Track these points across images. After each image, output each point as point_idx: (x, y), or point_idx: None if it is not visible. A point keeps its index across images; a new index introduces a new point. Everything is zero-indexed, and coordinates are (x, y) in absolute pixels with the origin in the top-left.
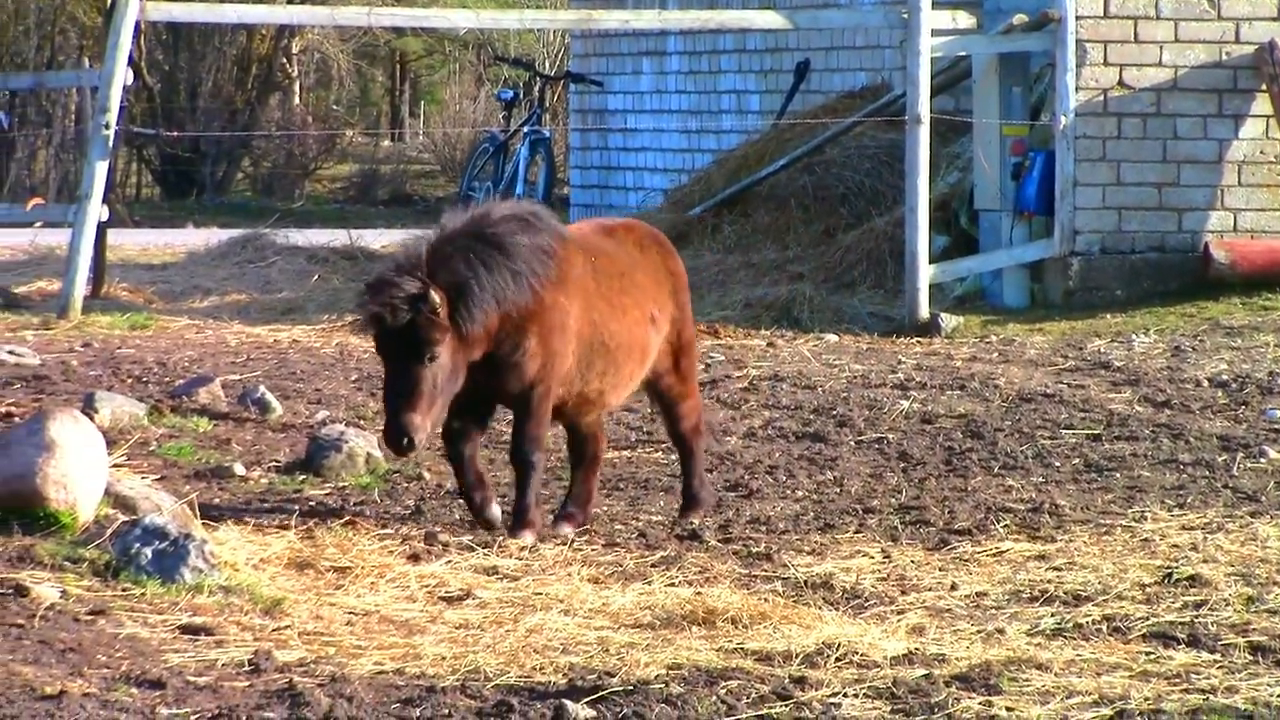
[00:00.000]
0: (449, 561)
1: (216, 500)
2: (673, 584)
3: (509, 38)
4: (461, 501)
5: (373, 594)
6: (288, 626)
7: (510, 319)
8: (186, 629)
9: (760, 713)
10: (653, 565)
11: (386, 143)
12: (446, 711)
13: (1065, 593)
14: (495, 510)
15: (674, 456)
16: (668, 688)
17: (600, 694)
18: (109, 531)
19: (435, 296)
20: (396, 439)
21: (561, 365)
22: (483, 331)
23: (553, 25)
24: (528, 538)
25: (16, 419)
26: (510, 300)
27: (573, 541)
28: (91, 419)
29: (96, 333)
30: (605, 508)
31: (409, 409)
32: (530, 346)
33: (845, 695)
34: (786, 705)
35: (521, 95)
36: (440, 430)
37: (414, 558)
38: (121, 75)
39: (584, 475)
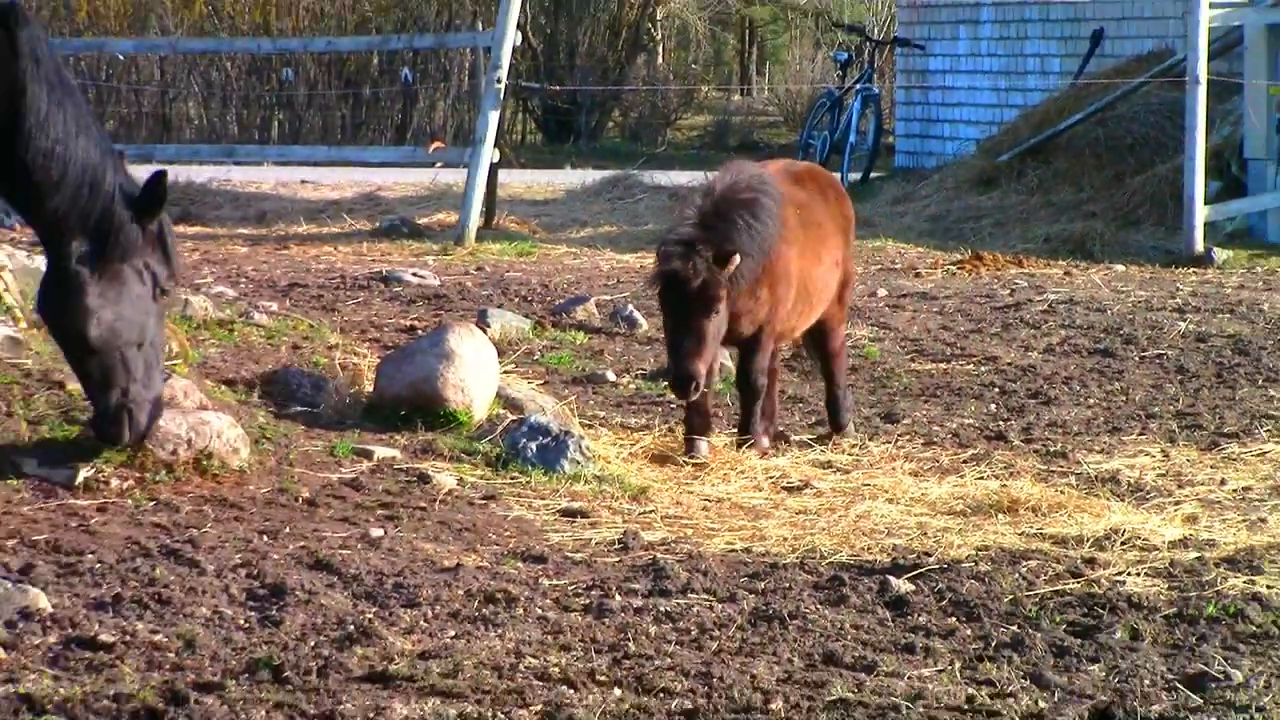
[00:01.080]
0: (791, 457)
1: (591, 402)
2: (981, 477)
3: (844, 6)
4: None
5: (725, 484)
6: (652, 511)
7: (756, 272)
8: (565, 512)
9: (1056, 589)
10: (964, 461)
11: (737, 97)
12: (787, 585)
13: None
14: (703, 446)
15: (984, 368)
16: (976, 566)
17: (919, 571)
18: (499, 428)
19: (733, 260)
20: (684, 386)
21: (784, 309)
22: (748, 288)
23: None
24: (754, 453)
25: (420, 331)
26: (761, 258)
27: (896, 440)
28: (484, 332)
29: (488, 259)
30: (923, 412)
31: (695, 358)
32: (764, 295)
33: (1129, 574)
34: (1078, 582)
35: (854, 57)
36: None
37: (762, 453)
38: (510, 37)
39: (770, 393)
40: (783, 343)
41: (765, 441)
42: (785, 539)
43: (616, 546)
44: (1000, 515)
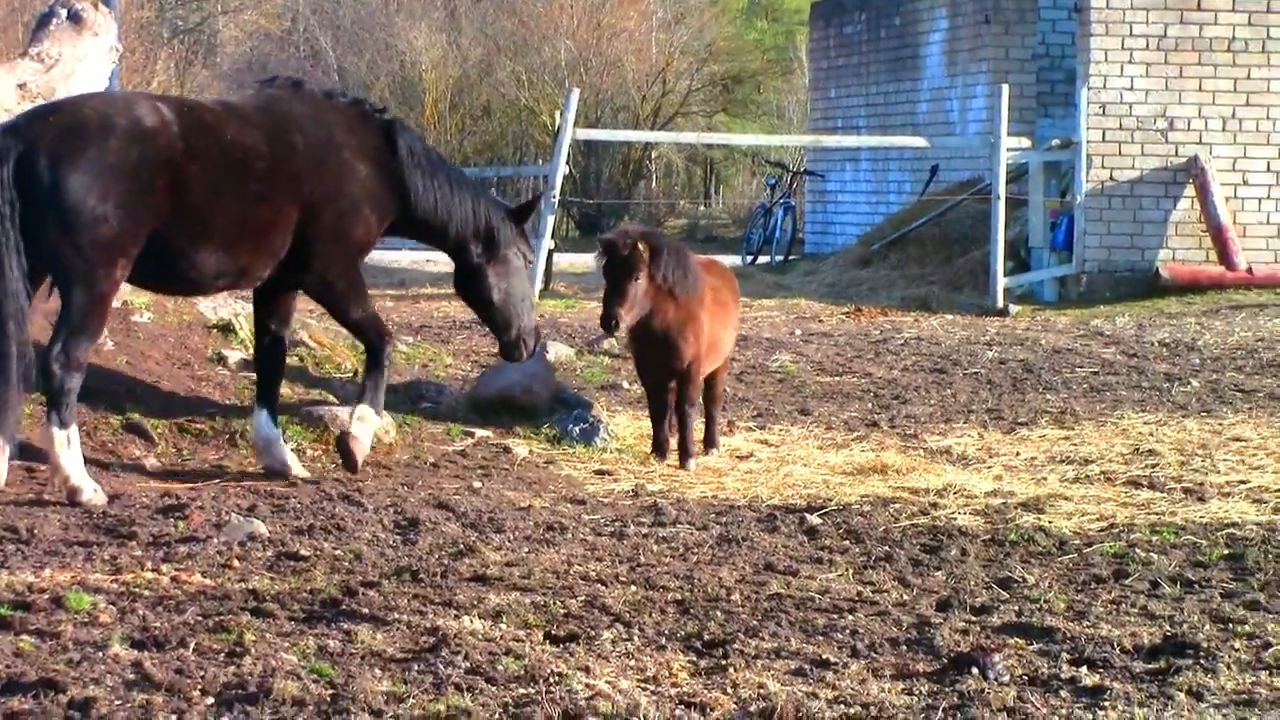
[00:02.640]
0: (741, 437)
1: (613, 401)
2: (863, 450)
3: (771, 150)
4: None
5: (701, 455)
6: (653, 471)
7: (681, 306)
8: (597, 472)
9: (913, 522)
10: (852, 440)
11: (702, 208)
12: (740, 519)
13: (1080, 458)
14: (665, 452)
15: (864, 380)
16: (861, 507)
17: (824, 510)
18: (555, 417)
19: (642, 246)
20: (607, 323)
21: (702, 354)
22: (663, 285)
23: (797, 143)
24: (691, 464)
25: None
26: (680, 287)
27: (808, 426)
28: (545, 356)
29: (547, 310)
30: (825, 408)
31: (618, 306)
32: (691, 339)
33: (959, 513)
34: (927, 518)
35: (779, 182)
36: (645, 388)
37: (723, 434)
38: (561, 169)
39: (710, 416)
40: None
41: (698, 459)
42: (739, 489)
43: (630, 494)
44: (875, 475)
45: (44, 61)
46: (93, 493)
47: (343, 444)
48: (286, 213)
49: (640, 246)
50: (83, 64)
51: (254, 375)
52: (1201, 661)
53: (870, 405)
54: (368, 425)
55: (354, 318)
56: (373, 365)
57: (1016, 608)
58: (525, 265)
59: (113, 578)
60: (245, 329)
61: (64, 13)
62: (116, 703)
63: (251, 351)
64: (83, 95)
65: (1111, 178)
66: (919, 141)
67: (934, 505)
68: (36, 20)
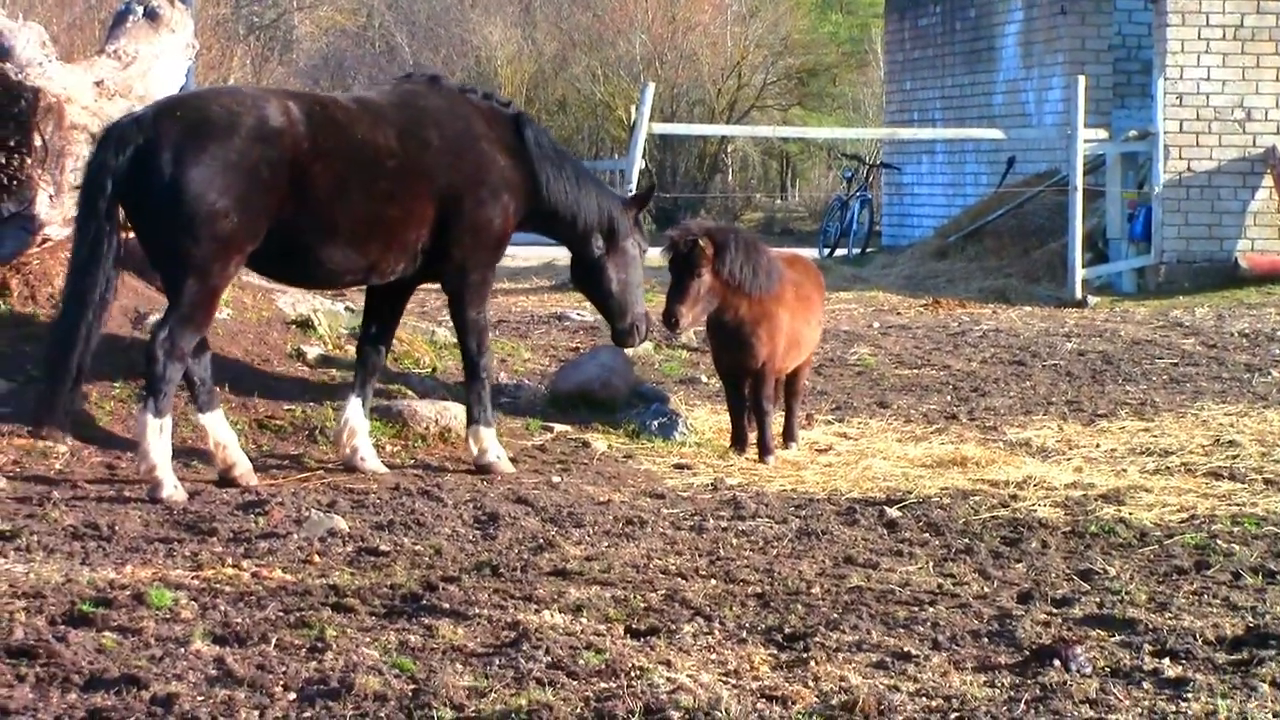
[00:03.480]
0: (820, 430)
1: (691, 395)
2: (942, 443)
3: (847, 142)
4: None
5: (780, 449)
6: (732, 465)
7: (755, 303)
8: (676, 466)
9: (993, 514)
10: (931, 432)
11: (778, 201)
12: (820, 512)
13: (1160, 449)
14: (744, 446)
15: (942, 372)
16: (941, 500)
17: (904, 503)
18: (634, 411)
19: (704, 243)
20: (669, 320)
21: (780, 352)
22: (730, 282)
23: (873, 136)
24: (770, 459)
25: (582, 350)
26: (750, 284)
27: (887, 419)
28: (623, 350)
29: None
30: (904, 400)
31: (680, 304)
32: (764, 336)
33: (1039, 505)
34: (1007, 510)
35: (855, 174)
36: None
37: (802, 427)
38: (637, 163)
39: (790, 410)
40: (779, 375)
41: (777, 453)
42: (818, 483)
43: (709, 488)
44: (955, 467)
45: (121, 59)
46: (173, 489)
47: (486, 472)
48: (420, 208)
49: (702, 243)
50: (159, 61)
51: (333, 371)
52: None
53: (949, 398)
54: (489, 441)
55: (470, 316)
56: (472, 377)
57: (1098, 599)
58: (640, 254)
59: (194, 574)
60: (324, 324)
61: (140, 10)
62: (199, 698)
63: (331, 346)
64: (212, 90)
65: (1189, 168)
66: (995, 134)
67: (1014, 497)
68: (113, 17)
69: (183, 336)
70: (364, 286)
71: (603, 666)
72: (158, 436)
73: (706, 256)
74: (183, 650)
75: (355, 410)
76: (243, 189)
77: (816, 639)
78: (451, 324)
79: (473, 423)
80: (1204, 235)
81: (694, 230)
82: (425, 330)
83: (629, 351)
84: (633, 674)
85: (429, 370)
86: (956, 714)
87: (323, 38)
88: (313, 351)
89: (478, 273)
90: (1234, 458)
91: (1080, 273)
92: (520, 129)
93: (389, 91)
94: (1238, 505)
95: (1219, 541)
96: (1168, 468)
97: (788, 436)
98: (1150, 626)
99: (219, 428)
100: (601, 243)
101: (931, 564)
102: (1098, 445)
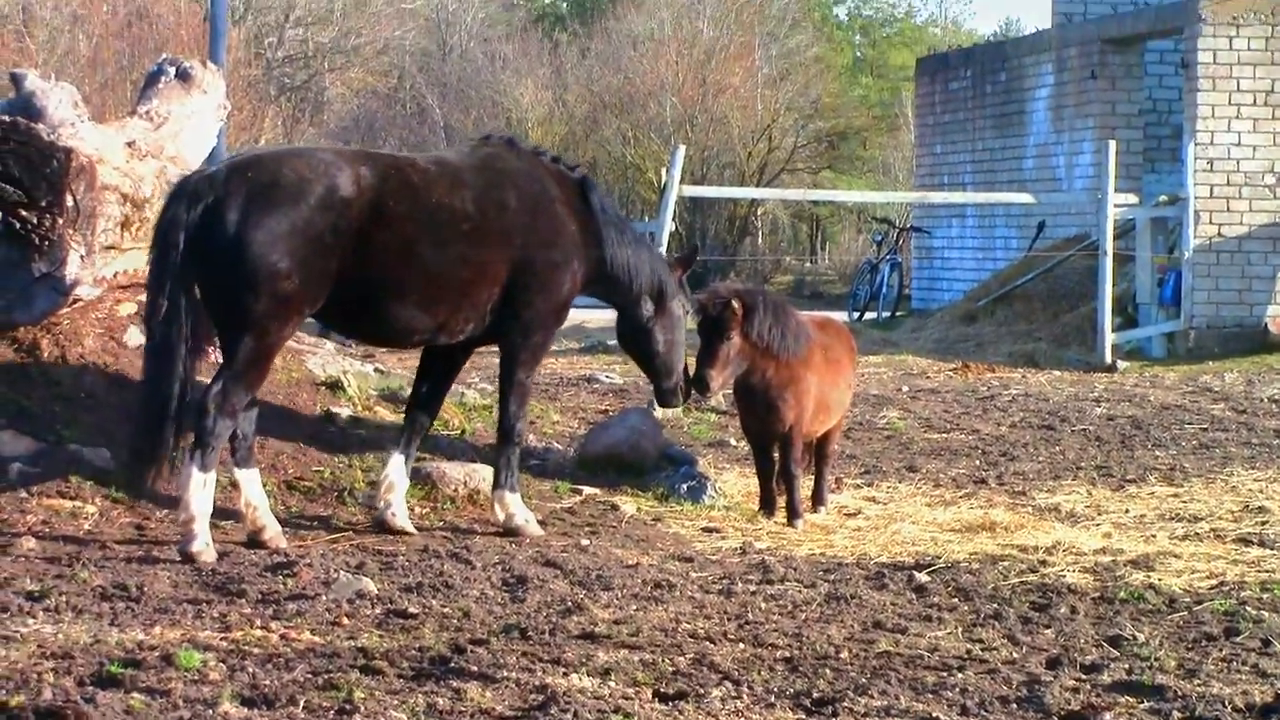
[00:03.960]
0: (848, 494)
1: (720, 459)
2: (971, 508)
3: (878, 206)
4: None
5: (809, 513)
6: (761, 529)
7: (783, 366)
8: (705, 530)
9: (1021, 580)
10: (960, 497)
11: (808, 264)
12: (849, 576)
13: (1189, 515)
14: (773, 510)
15: (971, 437)
16: (970, 565)
17: (933, 568)
18: (663, 474)
19: (735, 305)
20: (700, 384)
21: (808, 415)
22: (759, 345)
23: (904, 199)
24: (799, 523)
25: (610, 413)
26: (779, 347)
27: (916, 483)
28: (652, 413)
29: None
30: (933, 465)
31: (710, 368)
32: (791, 400)
33: (1068, 571)
34: (1035, 574)
35: (885, 237)
36: (750, 446)
37: (831, 491)
38: (667, 226)
39: (820, 475)
40: (808, 439)
41: (806, 517)
42: (847, 547)
43: (738, 551)
44: (984, 532)
45: (153, 119)
46: (205, 546)
47: (514, 535)
48: (493, 270)
49: (733, 305)
50: (191, 121)
51: (362, 432)
52: None
53: (978, 462)
54: (516, 505)
55: (519, 378)
56: (505, 440)
57: (1127, 666)
58: (685, 315)
59: (222, 635)
60: (354, 386)
61: (172, 70)
62: None
63: (361, 408)
64: (289, 151)
65: (1219, 233)
66: (1025, 198)
67: (1043, 563)
68: (145, 78)
69: (235, 393)
70: (421, 348)
71: None
72: (200, 490)
73: (736, 319)
74: (211, 712)
75: (397, 466)
76: (306, 253)
77: (845, 704)
78: (495, 385)
79: (498, 487)
80: (1234, 300)
81: (723, 293)
82: (454, 393)
83: (659, 413)
84: None
85: (458, 433)
86: None
87: (354, 99)
88: (342, 413)
89: (540, 334)
90: (1263, 524)
91: (1110, 337)
92: (586, 193)
93: (468, 153)
94: (1267, 571)
95: (1248, 608)
96: (1197, 533)
97: (817, 500)
98: (1179, 693)
99: (252, 487)
100: (651, 305)
101: (960, 629)
102: (1127, 510)
